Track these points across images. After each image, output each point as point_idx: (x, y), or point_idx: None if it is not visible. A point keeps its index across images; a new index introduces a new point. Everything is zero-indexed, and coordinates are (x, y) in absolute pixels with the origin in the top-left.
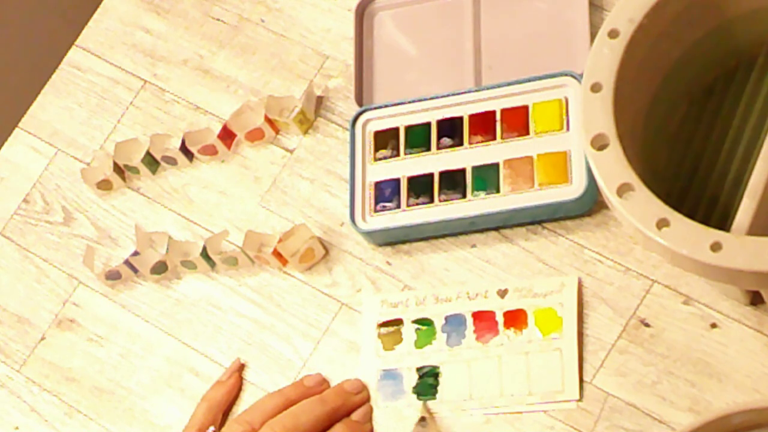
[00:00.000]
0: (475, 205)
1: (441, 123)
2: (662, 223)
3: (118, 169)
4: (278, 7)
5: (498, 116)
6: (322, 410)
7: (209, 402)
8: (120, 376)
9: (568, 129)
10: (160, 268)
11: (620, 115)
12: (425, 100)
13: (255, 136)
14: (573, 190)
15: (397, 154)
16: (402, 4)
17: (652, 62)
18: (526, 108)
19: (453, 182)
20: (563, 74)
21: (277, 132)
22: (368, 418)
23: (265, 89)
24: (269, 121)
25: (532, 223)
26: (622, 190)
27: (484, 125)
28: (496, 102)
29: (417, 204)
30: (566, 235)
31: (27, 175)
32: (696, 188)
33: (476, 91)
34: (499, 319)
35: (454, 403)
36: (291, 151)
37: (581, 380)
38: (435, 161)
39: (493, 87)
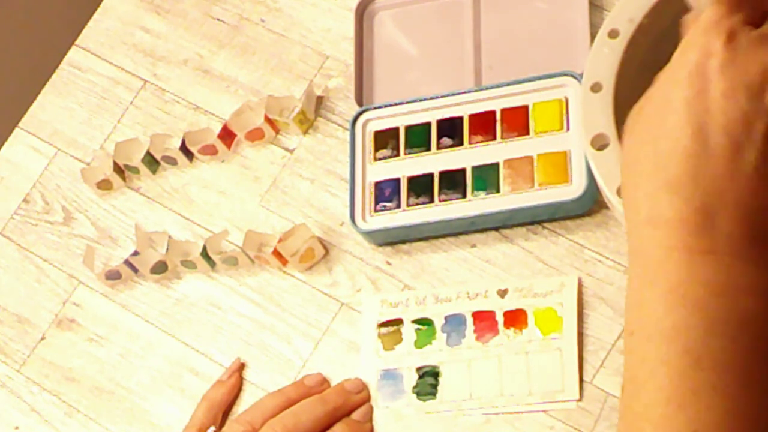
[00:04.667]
0: (475, 205)
1: (441, 123)
2: None
3: (118, 169)
4: (278, 7)
5: (498, 116)
6: (323, 409)
7: (209, 402)
8: (120, 376)
9: (568, 129)
10: (160, 268)
11: (620, 115)
12: (425, 100)
13: (255, 136)
14: (573, 190)
15: (397, 154)
16: (402, 4)
17: (652, 62)
18: (526, 108)
19: (453, 182)
20: (563, 74)
21: (277, 132)
22: (368, 417)
23: (265, 89)
24: (269, 121)
25: (532, 223)
26: None
27: (484, 125)
28: (496, 102)
29: (417, 204)
30: (566, 235)
31: (27, 175)
32: None
33: (476, 91)
34: (499, 319)
35: (454, 403)
36: (291, 151)
37: (581, 380)
38: (435, 161)
39: (493, 87)
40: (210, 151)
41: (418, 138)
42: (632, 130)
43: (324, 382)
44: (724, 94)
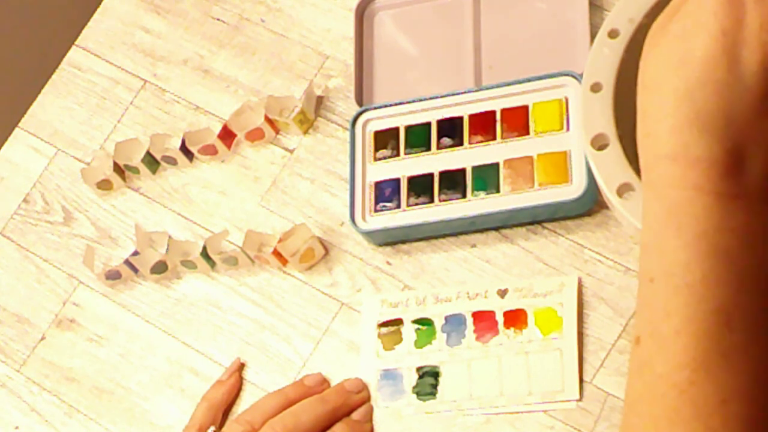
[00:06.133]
0: (475, 205)
1: (441, 123)
2: None
3: (118, 169)
4: (278, 7)
5: (498, 116)
6: (323, 409)
7: (209, 402)
8: (120, 376)
9: (568, 129)
10: (160, 268)
11: (620, 115)
12: (425, 100)
13: (255, 136)
14: (573, 190)
15: (397, 154)
16: (402, 4)
17: None
18: (526, 108)
19: (453, 182)
20: (563, 74)
21: (277, 132)
22: (369, 417)
23: (265, 89)
24: (269, 121)
25: (532, 223)
26: (622, 190)
27: (484, 125)
28: (496, 102)
29: (417, 204)
30: (566, 235)
31: (27, 175)
32: None
33: (476, 91)
34: (499, 318)
35: (454, 403)
36: (291, 151)
37: (581, 380)
38: (435, 161)
39: (493, 87)
40: (210, 151)
41: (418, 138)
42: (655, 50)
43: (324, 382)
44: (764, 26)
